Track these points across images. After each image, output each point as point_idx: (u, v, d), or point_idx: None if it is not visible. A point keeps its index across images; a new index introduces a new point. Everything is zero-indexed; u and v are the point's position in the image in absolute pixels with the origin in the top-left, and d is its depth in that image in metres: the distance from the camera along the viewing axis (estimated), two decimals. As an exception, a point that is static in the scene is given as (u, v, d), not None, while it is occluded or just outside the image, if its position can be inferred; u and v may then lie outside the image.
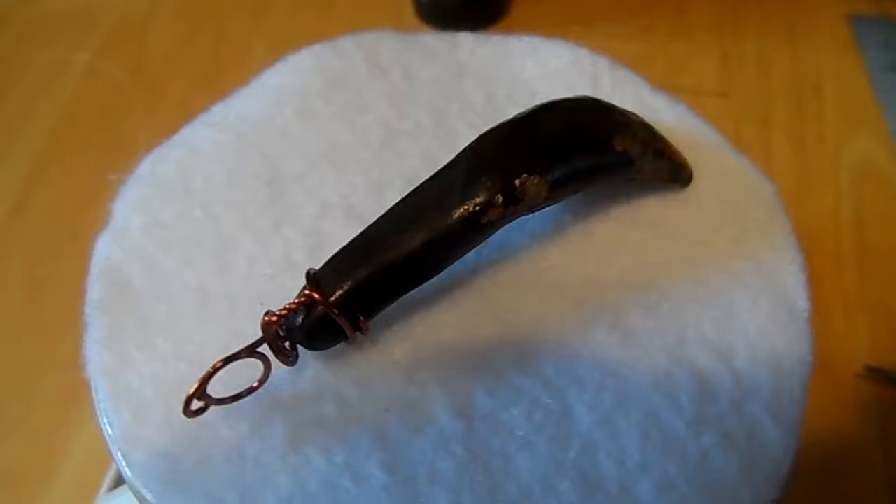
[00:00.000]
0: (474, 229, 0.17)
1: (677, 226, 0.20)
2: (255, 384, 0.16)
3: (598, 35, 0.48)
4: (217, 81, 0.23)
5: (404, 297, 0.17)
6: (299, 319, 0.16)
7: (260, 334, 0.16)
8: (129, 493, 0.17)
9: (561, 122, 0.19)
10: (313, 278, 0.17)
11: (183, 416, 0.16)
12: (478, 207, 0.17)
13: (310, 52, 0.24)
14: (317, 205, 0.20)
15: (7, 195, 0.40)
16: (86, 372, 0.17)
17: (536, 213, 0.19)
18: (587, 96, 0.20)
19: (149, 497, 0.16)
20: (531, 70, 0.23)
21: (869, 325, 0.36)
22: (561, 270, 0.19)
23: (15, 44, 0.48)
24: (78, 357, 0.18)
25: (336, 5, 0.50)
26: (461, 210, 0.17)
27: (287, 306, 0.16)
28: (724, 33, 0.49)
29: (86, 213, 0.22)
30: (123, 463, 0.16)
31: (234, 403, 0.16)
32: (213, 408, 0.16)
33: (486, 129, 0.18)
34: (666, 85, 0.25)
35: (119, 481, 0.26)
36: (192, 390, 0.16)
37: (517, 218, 0.17)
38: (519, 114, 0.19)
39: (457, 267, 0.18)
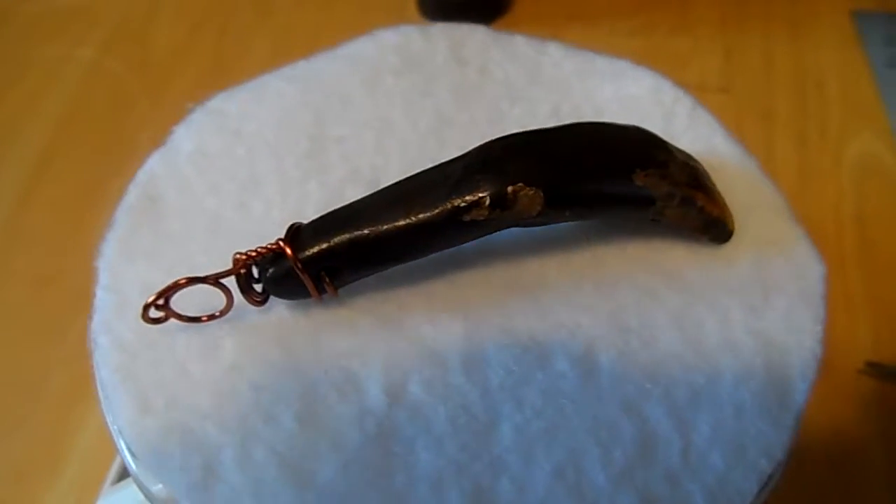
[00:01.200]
0: (456, 225, 0.17)
1: (695, 281, 0.19)
2: (217, 313, 0.18)
3: (601, 31, 0.48)
4: (220, 78, 0.24)
5: (387, 274, 0.18)
6: (270, 266, 0.17)
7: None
8: (133, 486, 0.17)
9: (584, 142, 0.18)
10: (291, 232, 0.18)
11: (142, 320, 0.17)
12: (463, 204, 0.17)
13: (397, 30, 0.25)
14: (347, 170, 0.21)
15: (11, 191, 0.40)
16: (96, 261, 0.19)
17: (547, 229, 0.19)
18: (636, 126, 0.19)
19: (152, 488, 0.16)
20: (607, 91, 0.23)
21: (870, 321, 0.36)
22: (551, 291, 0.19)
23: (18, 40, 0.48)
24: (83, 351, 0.18)
25: (338, 1, 0.50)
26: (446, 203, 0.17)
27: (257, 250, 0.17)
28: (727, 29, 0.49)
29: (89, 209, 0.22)
30: (126, 453, 0.17)
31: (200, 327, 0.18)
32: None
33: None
34: (669, 80, 0.25)
35: (123, 475, 0.27)
36: (150, 299, 0.17)
37: (506, 226, 0.17)
38: (550, 126, 0.18)
39: (448, 262, 0.19)
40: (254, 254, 0.17)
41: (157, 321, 0.17)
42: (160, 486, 0.16)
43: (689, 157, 0.20)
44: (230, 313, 0.18)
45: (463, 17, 0.47)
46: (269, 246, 0.17)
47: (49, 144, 0.42)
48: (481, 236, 0.18)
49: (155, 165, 0.21)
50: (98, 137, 0.43)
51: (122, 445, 0.17)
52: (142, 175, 0.21)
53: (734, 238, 0.20)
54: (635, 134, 0.19)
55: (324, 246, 0.17)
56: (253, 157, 0.21)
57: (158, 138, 0.22)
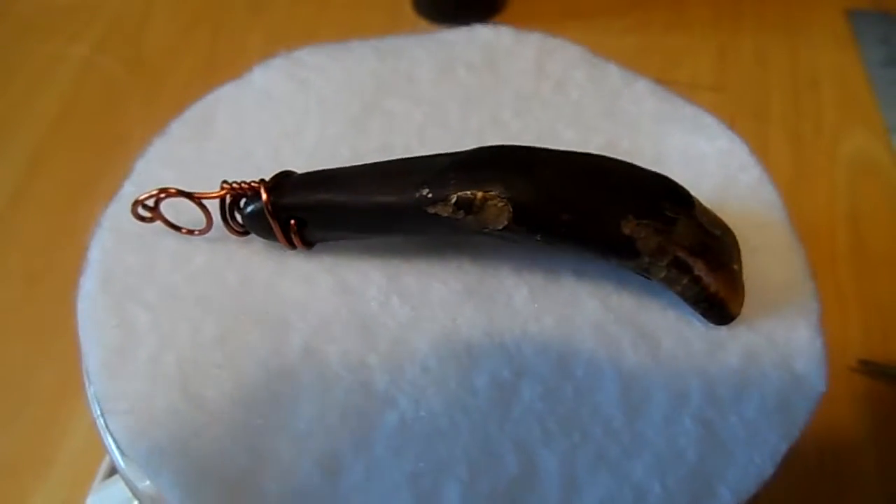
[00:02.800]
0: (419, 215, 0.17)
1: (666, 351, 0.18)
2: (196, 231, 0.19)
3: (595, 29, 0.48)
4: (214, 76, 0.24)
5: (367, 246, 0.20)
6: (250, 202, 0.19)
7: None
8: (122, 483, 0.17)
9: (587, 172, 0.17)
10: (277, 178, 0.19)
11: (131, 216, 0.19)
12: (429, 196, 0.17)
13: (494, 29, 0.25)
14: (380, 142, 0.22)
15: (4, 188, 0.40)
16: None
17: (536, 249, 0.19)
18: (665, 175, 0.18)
19: (139, 485, 0.16)
20: (676, 140, 0.22)
21: (862, 319, 0.36)
22: (512, 312, 0.18)
23: (12, 37, 0.48)
24: (73, 348, 0.18)
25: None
26: (415, 192, 0.17)
27: (241, 183, 0.18)
28: (721, 28, 0.49)
29: (83, 206, 0.22)
30: (114, 450, 0.17)
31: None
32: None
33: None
34: (663, 79, 0.25)
35: (112, 472, 0.27)
36: (140, 197, 0.18)
37: (472, 231, 0.17)
38: (563, 149, 0.18)
39: (426, 253, 0.19)
40: (237, 186, 0.18)
41: (143, 219, 0.19)
42: (147, 483, 0.16)
43: (719, 225, 0.18)
44: (216, 238, 0.19)
45: (458, 15, 0.47)
46: (251, 183, 0.18)
47: (42, 142, 0.42)
48: (445, 234, 0.18)
49: (224, 91, 0.23)
50: (91, 135, 0.43)
51: (110, 442, 0.17)
52: (210, 96, 0.23)
53: (739, 325, 0.18)
54: (655, 181, 0.18)
55: (296, 199, 0.18)
56: (306, 109, 0.23)
57: (152, 136, 0.22)
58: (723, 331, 0.18)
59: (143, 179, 0.21)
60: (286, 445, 0.16)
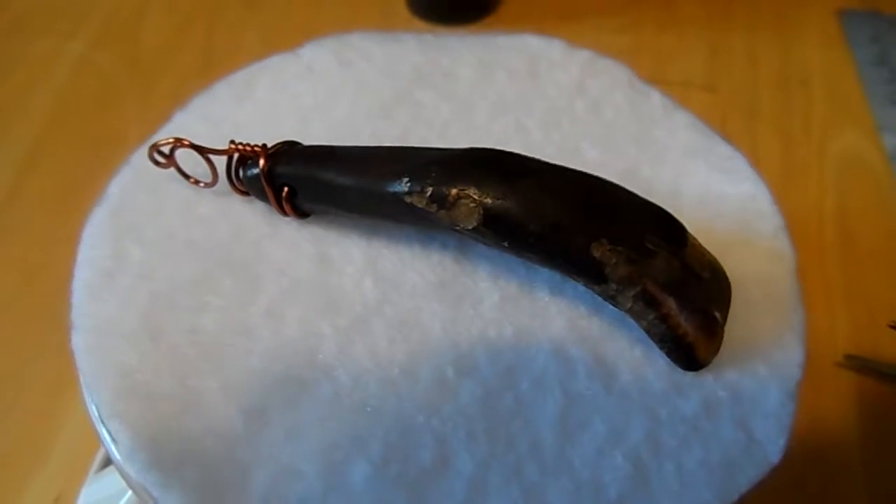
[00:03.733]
0: (397, 202, 0.18)
1: (621, 384, 0.18)
2: (202, 183, 0.21)
3: (587, 28, 0.48)
4: (209, 73, 0.24)
5: (356, 226, 0.20)
6: (252, 165, 0.20)
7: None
8: (116, 475, 0.18)
9: (570, 190, 0.17)
10: (279, 145, 0.20)
11: (149, 158, 0.20)
12: (407, 186, 0.17)
13: (546, 40, 0.26)
14: (400, 131, 0.23)
15: (1, 184, 0.40)
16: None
17: (519, 265, 0.19)
18: (663, 208, 0.17)
19: (132, 474, 0.16)
20: (699, 177, 0.22)
21: (849, 314, 0.37)
22: (477, 316, 0.19)
23: (8, 34, 0.48)
24: (69, 345, 0.19)
25: (328, -3, 0.51)
26: (397, 178, 0.18)
27: (245, 145, 0.20)
28: (713, 27, 0.50)
29: (78, 202, 0.22)
30: (108, 440, 0.17)
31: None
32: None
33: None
34: (654, 78, 0.25)
35: (107, 463, 0.27)
36: (158, 142, 0.20)
37: (445, 227, 0.18)
38: (558, 164, 0.18)
39: (409, 244, 0.20)
40: (241, 147, 0.19)
41: (158, 164, 0.20)
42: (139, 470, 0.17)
43: (710, 268, 0.17)
44: (223, 192, 0.21)
45: (451, 15, 0.47)
46: (255, 147, 0.19)
47: (38, 138, 0.42)
48: (420, 226, 0.18)
49: (272, 61, 0.24)
50: (87, 132, 0.43)
51: (104, 433, 0.17)
52: (259, 64, 0.24)
53: (708, 373, 0.18)
54: (646, 211, 0.17)
55: (290, 169, 0.19)
56: (342, 88, 0.24)
57: (147, 133, 0.22)
58: (688, 376, 0.18)
59: (176, 129, 0.22)
60: (219, 390, 0.17)
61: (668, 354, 0.17)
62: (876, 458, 0.32)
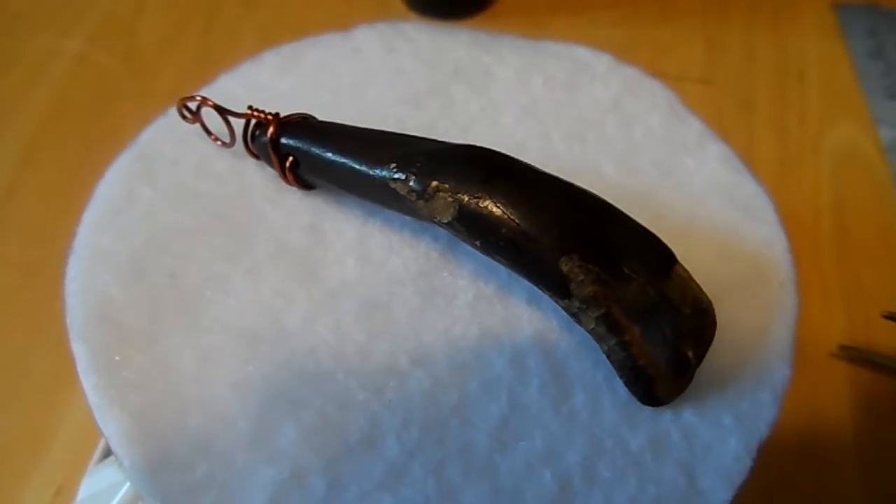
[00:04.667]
0: (382, 186, 0.18)
1: (577, 411, 0.17)
2: (220, 142, 0.21)
3: (583, 22, 0.49)
4: (207, 70, 0.24)
5: (354, 204, 0.21)
6: (264, 132, 0.20)
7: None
8: (116, 466, 0.18)
9: (555, 200, 0.16)
10: (291, 116, 0.20)
11: (177, 112, 0.21)
12: (394, 172, 0.18)
13: (595, 53, 0.25)
14: (423, 122, 0.23)
15: (-1, 180, 0.41)
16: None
17: (501, 269, 0.19)
18: (654, 236, 0.17)
19: (128, 465, 0.17)
20: (715, 211, 0.21)
21: (844, 306, 0.37)
22: (441, 306, 0.19)
23: (5, 31, 0.48)
24: (68, 338, 0.19)
25: (325, -6, 0.51)
26: (386, 163, 0.18)
27: (260, 112, 0.20)
28: (709, 20, 0.50)
29: (76, 199, 0.22)
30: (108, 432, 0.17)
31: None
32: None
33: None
34: (651, 71, 0.25)
35: (107, 454, 0.27)
36: (188, 97, 0.21)
37: (423, 216, 0.18)
38: (541, 171, 0.17)
39: (400, 230, 0.20)
40: (256, 113, 0.20)
41: (185, 118, 0.21)
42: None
43: (694, 306, 0.16)
44: (239, 154, 0.22)
45: (448, 10, 0.47)
46: (267, 114, 0.20)
47: (36, 135, 0.43)
48: (404, 213, 0.19)
49: (324, 39, 0.25)
50: (85, 129, 0.43)
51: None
52: (311, 39, 0.25)
53: (668, 410, 0.17)
54: (634, 236, 0.16)
55: (293, 140, 0.20)
56: (381, 73, 0.25)
57: (143, 128, 0.23)
58: (645, 410, 0.17)
59: (217, 90, 0.24)
60: (183, 332, 0.18)
61: (626, 384, 0.17)
62: (870, 448, 0.33)
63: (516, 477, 0.16)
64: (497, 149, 0.18)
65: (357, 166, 0.19)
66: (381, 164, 0.18)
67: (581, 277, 0.16)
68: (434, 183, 0.17)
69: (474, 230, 0.17)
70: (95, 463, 0.27)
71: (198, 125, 0.22)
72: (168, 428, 0.17)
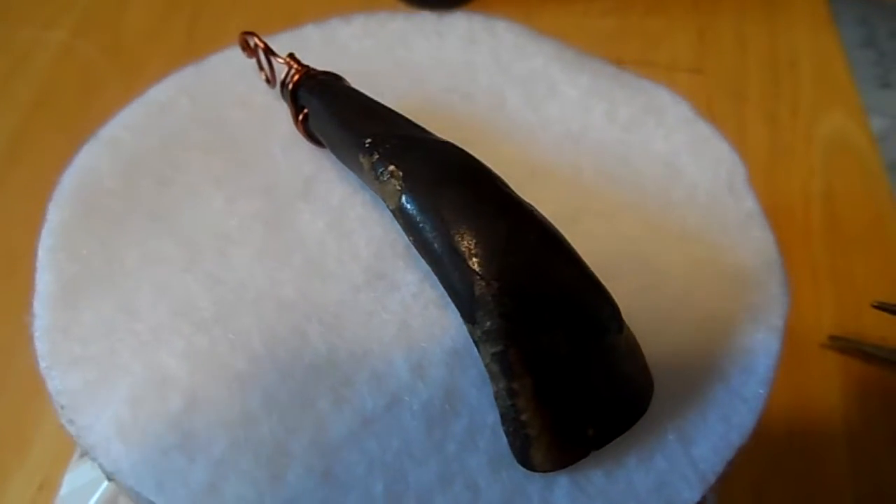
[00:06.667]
0: (353, 156, 0.19)
1: (450, 442, 0.16)
2: (265, 80, 0.23)
3: (574, 11, 0.48)
4: (192, 61, 0.24)
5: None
6: (291, 81, 0.21)
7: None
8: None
9: (503, 227, 0.15)
10: (318, 73, 0.21)
11: (239, 44, 0.22)
12: (366, 145, 0.18)
13: (675, 99, 0.24)
14: (450, 119, 0.23)
15: (-17, 174, 0.40)
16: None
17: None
18: (603, 295, 0.15)
19: (107, 466, 0.17)
20: (720, 300, 0.19)
21: (834, 296, 0.37)
22: (377, 294, 0.19)
23: (-11, 23, 0.48)
24: None
25: (313, -17, 0.50)
26: (363, 136, 0.18)
27: (295, 61, 0.21)
28: (700, 10, 0.50)
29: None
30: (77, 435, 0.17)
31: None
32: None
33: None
34: (641, 60, 0.25)
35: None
36: (248, 34, 0.21)
37: (377, 195, 0.18)
38: (508, 194, 0.17)
39: (384, 212, 0.20)
40: (290, 61, 0.21)
41: (244, 50, 0.22)
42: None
43: (626, 384, 0.15)
44: (279, 97, 0.22)
45: (435, 0, 0.47)
46: (300, 65, 0.21)
47: (21, 127, 0.42)
48: (368, 187, 0.19)
49: (417, 17, 0.26)
50: (70, 120, 0.42)
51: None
52: (404, 15, 0.26)
53: (536, 480, 0.16)
54: (577, 284, 0.15)
55: (307, 95, 0.20)
56: (452, 60, 0.24)
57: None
58: (518, 468, 0.16)
59: (297, 37, 0.25)
60: (143, 230, 0.20)
61: (505, 434, 0.15)
62: (859, 437, 0.33)
63: (350, 474, 0.16)
64: (516, 166, 0.18)
65: (342, 132, 0.19)
66: (361, 135, 0.18)
67: (490, 307, 0.14)
68: (391, 167, 0.17)
69: (409, 225, 0.17)
70: (78, 458, 0.27)
71: (254, 60, 0.23)
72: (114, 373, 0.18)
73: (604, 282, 0.16)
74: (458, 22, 0.25)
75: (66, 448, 0.29)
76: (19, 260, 0.38)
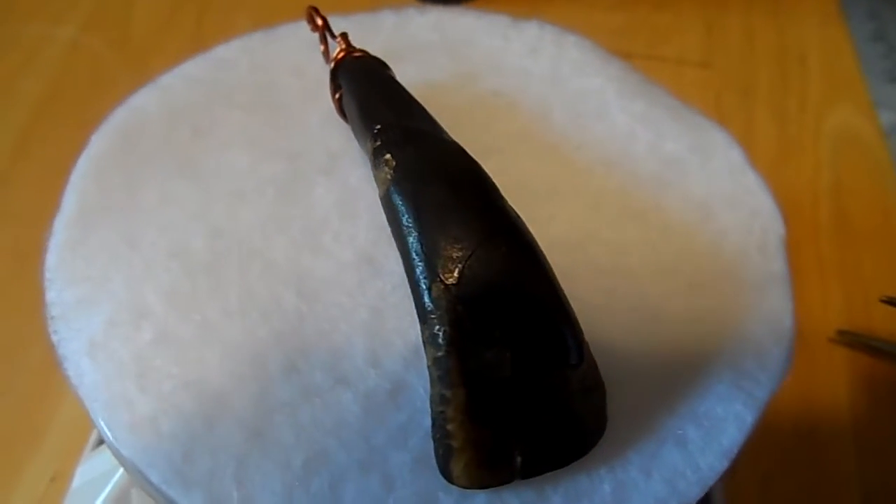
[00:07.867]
0: (363, 139, 0.19)
1: (380, 436, 0.16)
2: (322, 52, 0.23)
3: (581, 6, 0.48)
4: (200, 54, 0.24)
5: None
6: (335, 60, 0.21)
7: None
8: (109, 453, 0.18)
9: (479, 236, 0.15)
10: (365, 56, 0.21)
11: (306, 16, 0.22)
12: (374, 131, 0.18)
13: (728, 142, 0.22)
14: (482, 125, 0.23)
15: (-7, 168, 0.40)
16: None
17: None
18: (567, 317, 0.15)
19: (125, 453, 0.17)
20: (720, 341, 0.18)
21: (842, 290, 0.37)
22: (362, 278, 0.19)
23: (-2, 18, 0.48)
24: None
25: (320, -22, 0.50)
26: (376, 122, 0.19)
27: (345, 41, 0.21)
28: (708, 4, 0.49)
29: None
30: (102, 425, 0.17)
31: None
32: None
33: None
34: (649, 55, 0.25)
35: (101, 442, 0.27)
36: (313, 9, 0.22)
37: (376, 184, 0.18)
38: (501, 207, 0.16)
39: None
40: (341, 40, 0.21)
41: (309, 23, 0.22)
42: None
43: (562, 414, 0.15)
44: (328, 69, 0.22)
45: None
46: (347, 46, 0.21)
47: (29, 122, 0.42)
48: (369, 171, 0.19)
49: (498, 20, 0.26)
50: (78, 115, 0.42)
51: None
52: (497, 17, 0.26)
53: (452, 492, 0.15)
54: (542, 307, 0.15)
55: (344, 76, 0.21)
56: (508, 64, 0.24)
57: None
58: (438, 478, 0.15)
59: (352, 23, 0.25)
60: (166, 173, 0.21)
61: (433, 440, 0.15)
62: (867, 431, 0.33)
63: (277, 440, 0.16)
64: (538, 181, 0.18)
65: (361, 115, 0.19)
66: (374, 121, 0.18)
67: (442, 311, 0.14)
68: (387, 156, 0.17)
69: (390, 215, 0.17)
70: (90, 450, 0.27)
71: (318, 35, 0.23)
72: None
73: (591, 314, 0.16)
74: (529, 29, 0.25)
75: (79, 440, 0.30)
76: (28, 255, 0.38)
